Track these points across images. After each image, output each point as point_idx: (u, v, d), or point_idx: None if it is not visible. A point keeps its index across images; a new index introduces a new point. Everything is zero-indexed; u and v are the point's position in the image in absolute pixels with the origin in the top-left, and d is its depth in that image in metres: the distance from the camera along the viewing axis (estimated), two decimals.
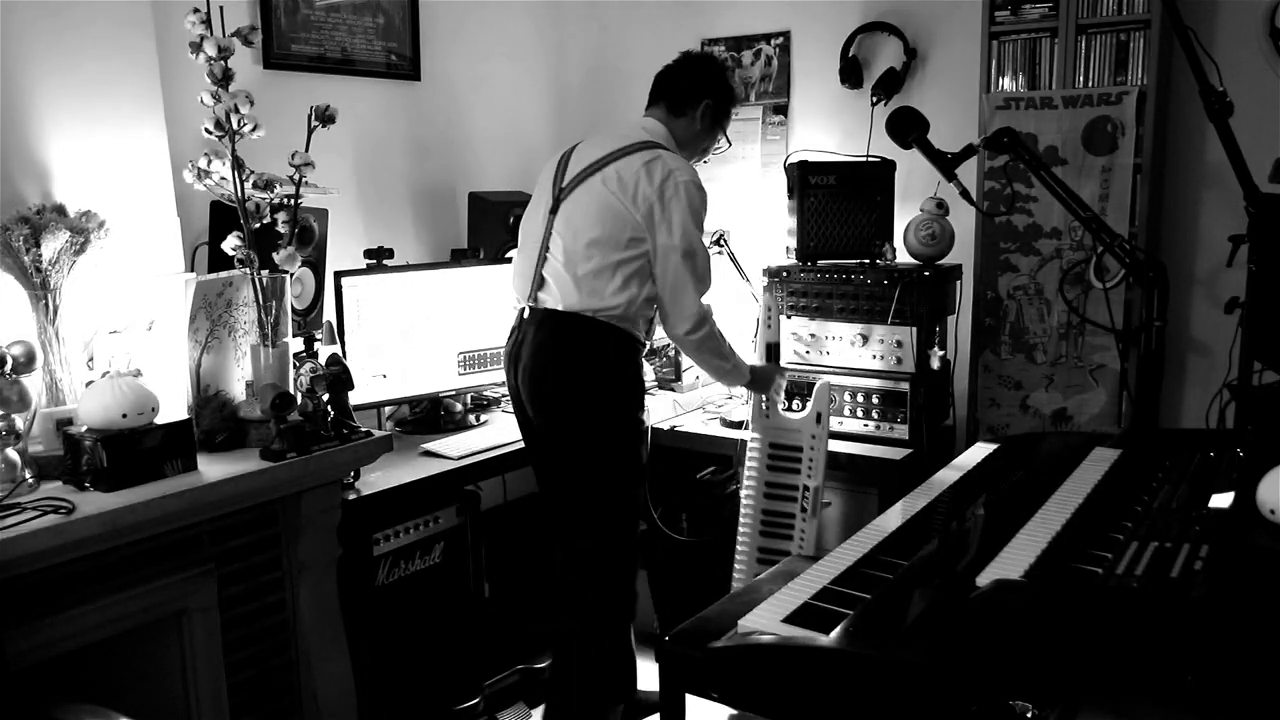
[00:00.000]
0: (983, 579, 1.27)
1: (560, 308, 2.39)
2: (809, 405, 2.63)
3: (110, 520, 1.81)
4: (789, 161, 3.06)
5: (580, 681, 2.54)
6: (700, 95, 2.57)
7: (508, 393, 2.58)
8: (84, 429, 1.90)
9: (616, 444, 2.44)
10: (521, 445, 2.68)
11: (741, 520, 2.70)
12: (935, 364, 2.87)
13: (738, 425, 2.96)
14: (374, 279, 2.76)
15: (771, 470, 2.68)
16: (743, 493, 2.73)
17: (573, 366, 2.40)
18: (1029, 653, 1.16)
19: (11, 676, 1.68)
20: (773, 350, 2.80)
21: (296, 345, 2.34)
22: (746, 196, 3.52)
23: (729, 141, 2.73)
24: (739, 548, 2.70)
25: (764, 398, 2.69)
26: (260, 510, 2.15)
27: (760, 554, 2.68)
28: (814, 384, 2.68)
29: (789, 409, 2.74)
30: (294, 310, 2.41)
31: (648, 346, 2.52)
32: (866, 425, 2.86)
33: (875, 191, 2.94)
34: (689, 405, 3.24)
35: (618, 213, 2.36)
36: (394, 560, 2.51)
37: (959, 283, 3.00)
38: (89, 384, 1.96)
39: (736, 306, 3.24)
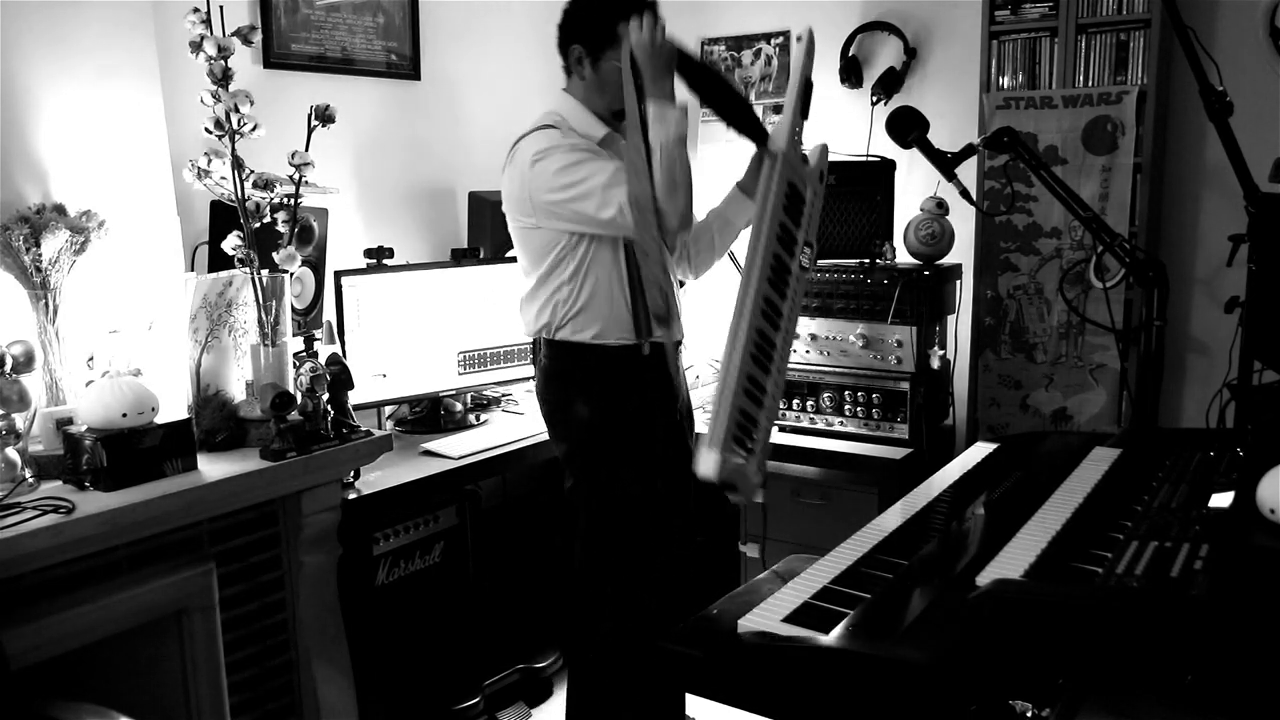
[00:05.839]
0: (983, 579, 1.27)
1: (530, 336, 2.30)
2: (813, 160, 2.15)
3: (110, 520, 1.81)
4: None
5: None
6: (566, 41, 2.24)
7: None
8: (84, 428, 1.90)
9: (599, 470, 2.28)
10: (521, 444, 2.71)
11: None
12: (935, 364, 2.87)
13: None
14: (374, 279, 2.76)
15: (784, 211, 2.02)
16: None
17: (542, 392, 2.32)
18: (1029, 653, 1.16)
19: (11, 676, 1.68)
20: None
21: (296, 345, 2.34)
22: None
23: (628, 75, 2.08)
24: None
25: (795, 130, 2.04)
26: (260, 510, 2.15)
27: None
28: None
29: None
30: (294, 310, 2.41)
31: (646, 347, 2.19)
32: (866, 425, 2.86)
33: (875, 191, 2.94)
34: None
35: (511, 217, 2.23)
36: (394, 560, 2.50)
37: (959, 282, 3.00)
38: (89, 384, 1.96)
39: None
